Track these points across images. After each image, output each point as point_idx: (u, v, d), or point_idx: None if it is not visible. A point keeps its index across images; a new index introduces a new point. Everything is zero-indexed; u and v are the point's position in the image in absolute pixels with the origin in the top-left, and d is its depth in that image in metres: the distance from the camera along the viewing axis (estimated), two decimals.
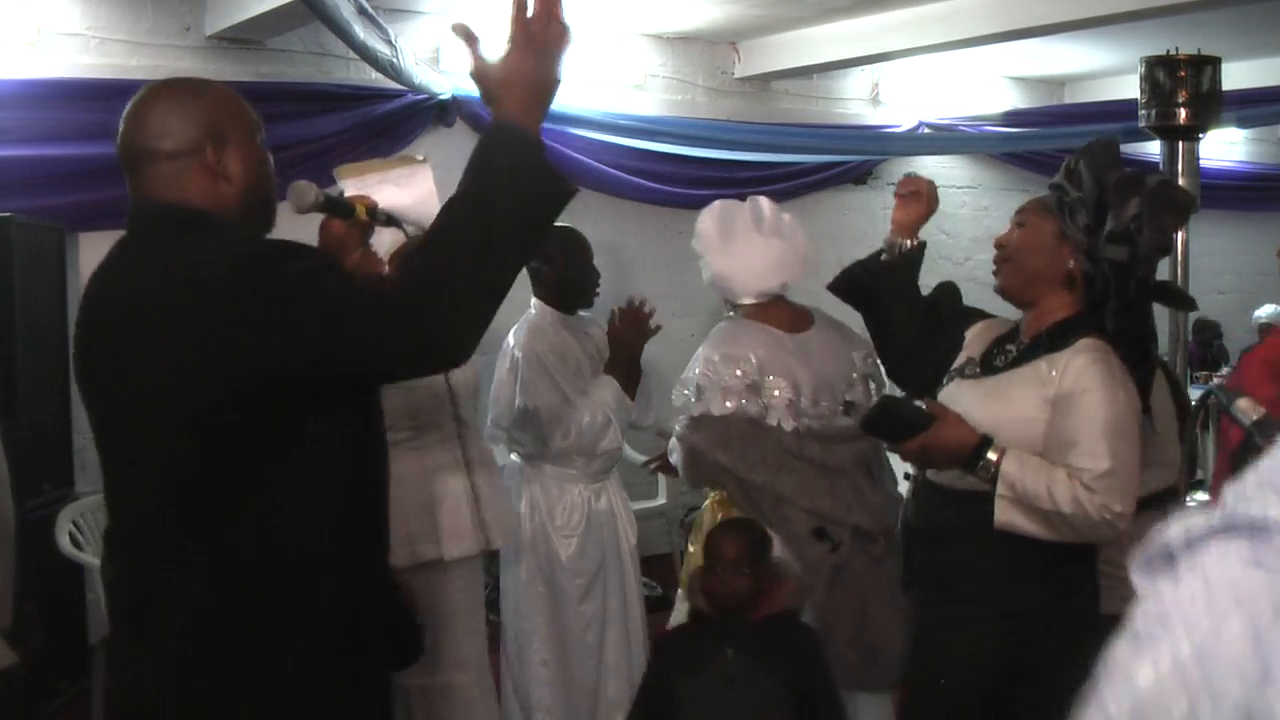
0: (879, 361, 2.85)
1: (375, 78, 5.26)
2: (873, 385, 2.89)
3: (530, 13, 1.54)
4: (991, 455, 2.15)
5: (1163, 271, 2.38)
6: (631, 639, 3.54)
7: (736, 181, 6.41)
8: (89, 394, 1.72)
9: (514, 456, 3.57)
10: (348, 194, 2.07)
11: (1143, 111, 4.40)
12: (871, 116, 7.33)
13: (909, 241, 2.64)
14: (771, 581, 2.54)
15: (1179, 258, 4.29)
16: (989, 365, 2.34)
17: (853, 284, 2.69)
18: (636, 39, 6.38)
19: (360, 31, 4.53)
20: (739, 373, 2.71)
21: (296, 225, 1.93)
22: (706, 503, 2.99)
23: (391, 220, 2.08)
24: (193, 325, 1.55)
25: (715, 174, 6.44)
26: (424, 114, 5.55)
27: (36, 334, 4.17)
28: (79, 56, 4.81)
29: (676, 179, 6.36)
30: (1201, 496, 3.09)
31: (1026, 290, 2.30)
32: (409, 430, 2.88)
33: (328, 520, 1.66)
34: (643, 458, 4.28)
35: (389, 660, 1.82)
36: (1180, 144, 4.36)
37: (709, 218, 2.90)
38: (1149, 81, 4.34)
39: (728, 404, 2.70)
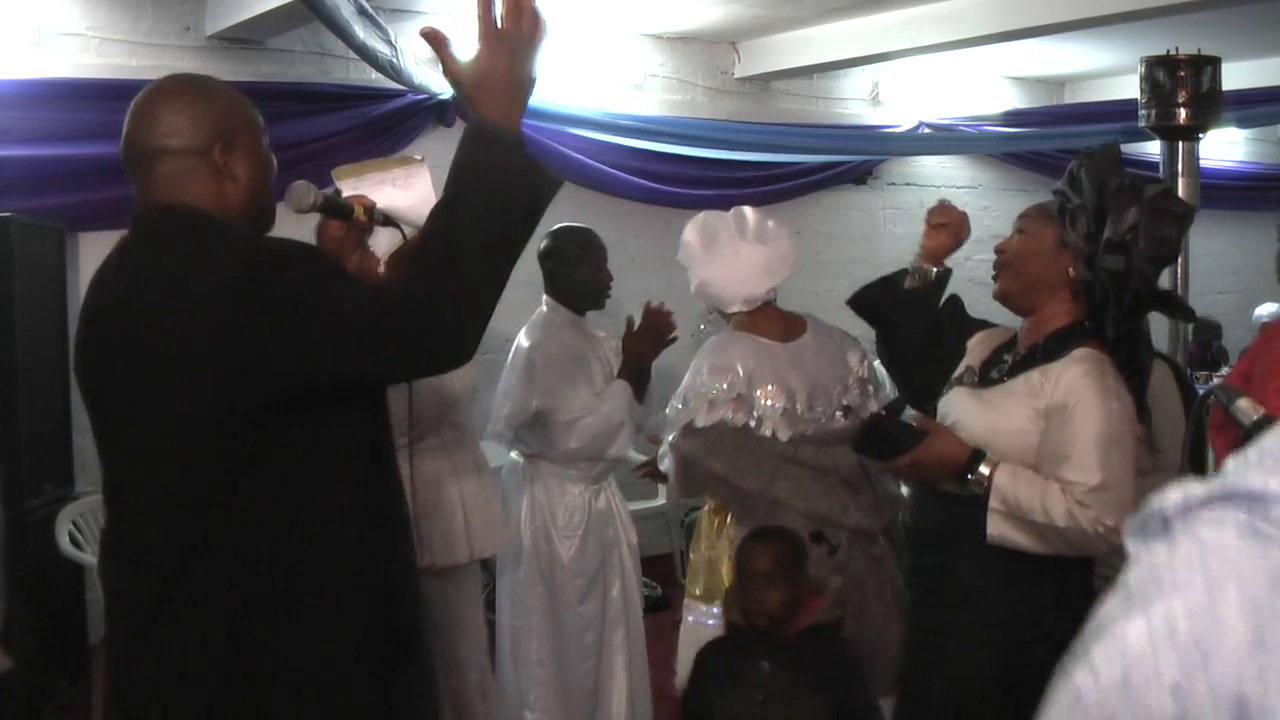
0: (876, 364, 2.85)
1: (375, 78, 5.26)
2: (871, 388, 2.89)
3: (499, 9, 1.53)
4: (984, 469, 2.14)
5: (1163, 273, 2.37)
6: (632, 640, 3.54)
7: (736, 181, 6.41)
8: (91, 396, 1.71)
9: (514, 456, 3.56)
10: (345, 194, 2.07)
11: (1143, 111, 4.41)
12: (871, 116, 7.33)
13: (934, 269, 2.63)
14: (808, 593, 2.46)
15: (1179, 259, 4.28)
16: (986, 375, 2.33)
17: (872, 303, 2.69)
18: (636, 39, 6.38)
19: (360, 31, 4.53)
20: (725, 385, 2.71)
21: (294, 226, 1.93)
22: (704, 509, 2.99)
23: (389, 221, 2.08)
24: (198, 329, 1.55)
25: (715, 174, 6.44)
26: (424, 114, 5.55)
27: (36, 334, 4.16)
28: (79, 56, 4.81)
29: (676, 179, 6.36)
30: None
31: (1025, 296, 2.29)
32: (406, 436, 2.87)
33: (336, 520, 1.66)
34: (643, 458, 4.28)
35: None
36: (1180, 144, 4.36)
37: (692, 229, 2.92)
38: (1149, 81, 4.34)
39: (712, 416, 2.71)
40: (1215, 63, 4.35)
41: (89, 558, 3.83)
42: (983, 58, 7.08)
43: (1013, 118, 7.58)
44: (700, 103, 6.62)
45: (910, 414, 2.58)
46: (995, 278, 2.35)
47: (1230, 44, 5.54)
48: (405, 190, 2.11)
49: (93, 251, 4.55)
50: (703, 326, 3.02)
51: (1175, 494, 0.60)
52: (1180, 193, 4.29)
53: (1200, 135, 4.41)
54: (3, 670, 2.23)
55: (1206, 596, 0.54)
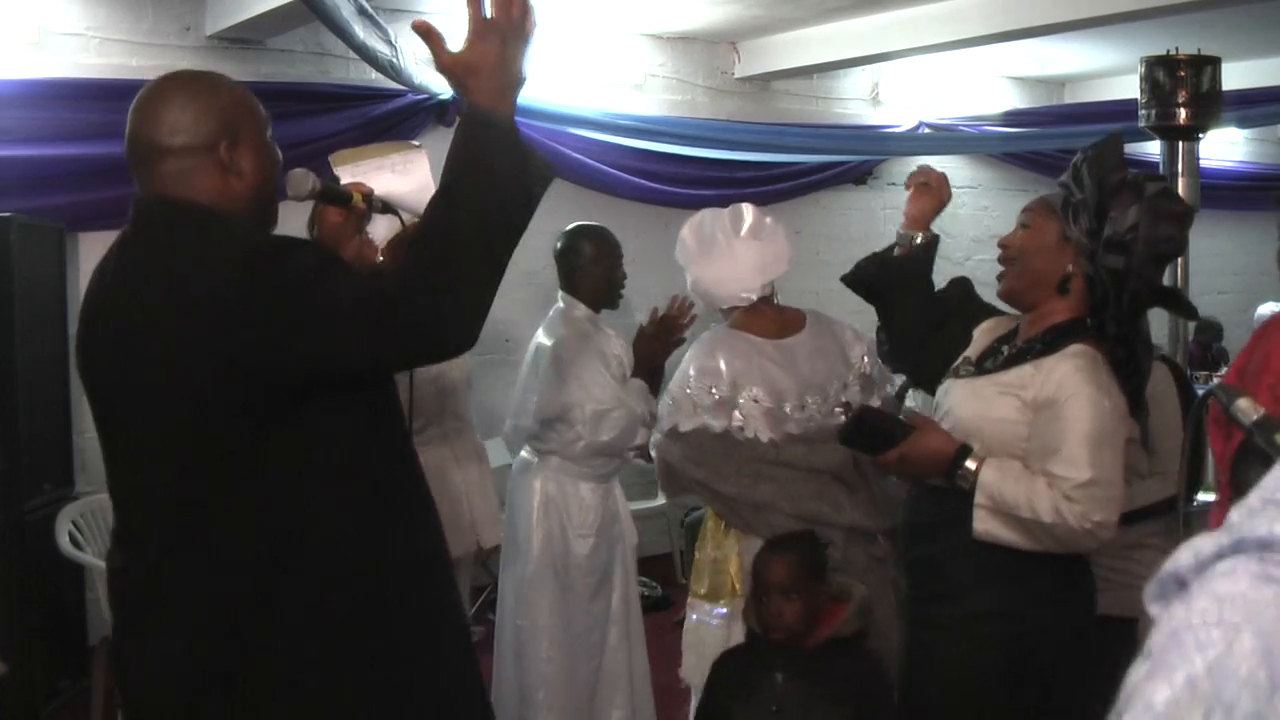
0: (880, 360, 2.84)
1: (375, 78, 5.26)
2: (875, 385, 2.88)
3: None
4: (970, 464, 2.14)
5: (1165, 272, 2.37)
6: (632, 637, 3.55)
7: (736, 181, 6.41)
8: (94, 393, 1.71)
9: (524, 454, 3.57)
10: (343, 181, 2.07)
11: (1143, 111, 4.40)
12: (871, 116, 7.33)
13: (921, 235, 2.62)
14: (830, 602, 2.39)
15: (1180, 258, 4.29)
16: (981, 365, 2.33)
17: (865, 277, 2.68)
18: (636, 39, 6.38)
19: (360, 31, 4.53)
20: (711, 389, 2.71)
21: (293, 212, 1.93)
22: (707, 510, 2.99)
23: (388, 207, 2.08)
24: (199, 323, 1.55)
25: (715, 174, 6.44)
26: (424, 114, 5.55)
27: (36, 334, 4.16)
28: (79, 56, 4.81)
29: (676, 179, 6.36)
30: (1204, 497, 3.08)
31: (1028, 294, 2.29)
32: (408, 427, 2.88)
33: (341, 509, 1.66)
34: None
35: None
36: (1180, 144, 4.36)
37: (687, 227, 2.93)
38: (1149, 81, 4.34)
39: (695, 421, 2.71)
40: (1215, 63, 4.35)
41: (89, 558, 3.83)
42: (983, 58, 7.08)
43: (1013, 118, 7.59)
44: (700, 103, 6.62)
45: (911, 406, 2.58)
46: (1000, 276, 2.34)
47: (1230, 44, 5.54)
48: (403, 176, 2.11)
49: (93, 251, 4.55)
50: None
51: (1185, 555, 0.61)
52: (1180, 193, 4.28)
53: (1200, 135, 4.41)
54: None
55: (1225, 649, 0.54)
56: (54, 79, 4.68)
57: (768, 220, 2.88)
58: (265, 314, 1.53)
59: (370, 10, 4.58)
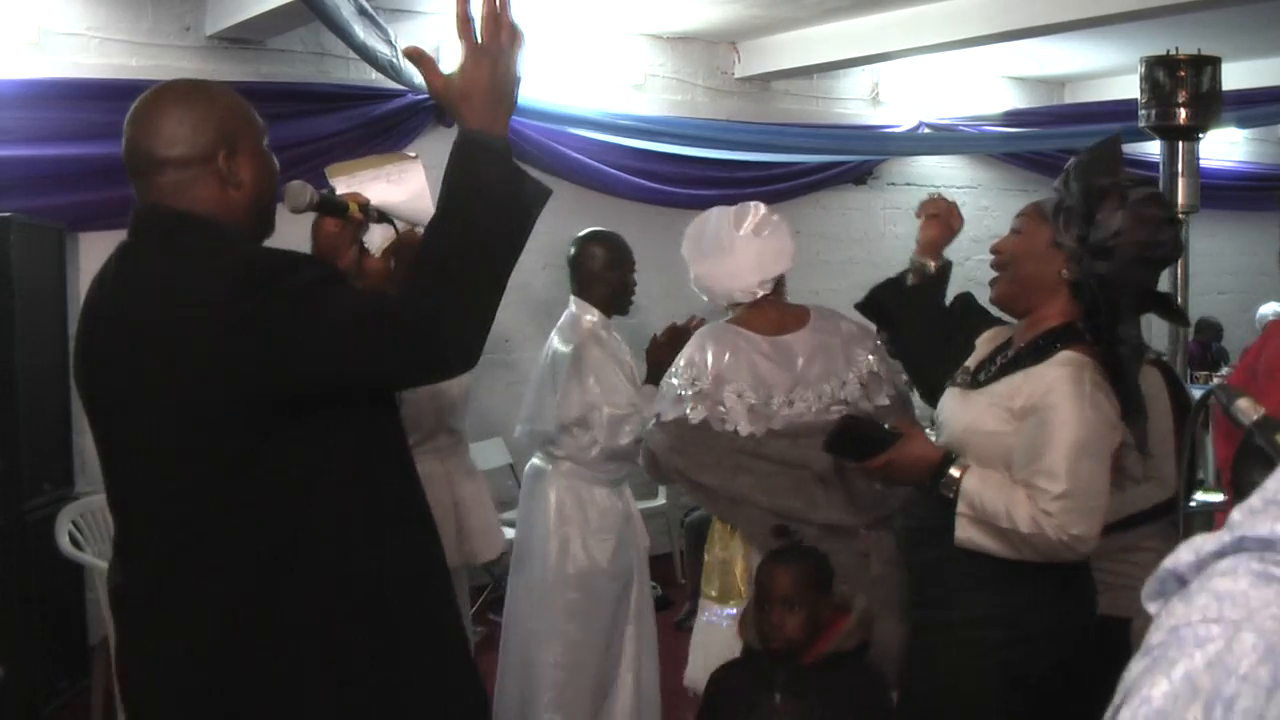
0: (889, 359, 2.85)
1: (375, 78, 5.26)
2: (882, 384, 2.85)
3: (479, 22, 1.58)
4: (954, 472, 2.14)
5: (1163, 273, 2.36)
6: (644, 639, 3.57)
7: (736, 181, 6.42)
8: (92, 404, 1.71)
9: (536, 460, 3.58)
10: (339, 191, 2.07)
11: (1143, 111, 4.40)
12: (871, 116, 7.33)
13: (933, 263, 2.63)
14: (830, 616, 2.36)
15: (1180, 259, 4.28)
16: (976, 376, 2.33)
17: (879, 305, 2.69)
18: (636, 39, 6.38)
19: (360, 31, 4.53)
20: (695, 381, 2.73)
21: (287, 222, 1.94)
22: None
23: (383, 217, 2.09)
24: (199, 337, 1.55)
25: (715, 174, 6.45)
26: (424, 114, 5.55)
27: (36, 334, 4.17)
28: (79, 56, 4.81)
29: (676, 179, 6.36)
30: (1203, 497, 3.08)
31: (1020, 299, 2.29)
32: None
33: (339, 519, 1.66)
34: None
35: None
36: (1180, 144, 4.35)
37: (692, 225, 2.94)
38: (1149, 81, 4.34)
39: (677, 411, 2.73)
40: (1215, 63, 4.34)
41: (89, 558, 3.83)
42: (983, 58, 7.08)
43: (1013, 118, 7.59)
44: (700, 103, 6.62)
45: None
46: (993, 282, 2.34)
47: (1230, 44, 5.54)
48: (399, 185, 2.12)
49: (93, 251, 4.56)
50: None
51: (1186, 552, 0.61)
52: (1180, 193, 4.28)
53: (1200, 135, 4.40)
54: None
55: (1224, 646, 0.54)
56: (54, 79, 4.68)
57: (774, 218, 2.88)
58: (266, 327, 1.53)
59: (370, 10, 4.58)
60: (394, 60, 4.86)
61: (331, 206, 2.02)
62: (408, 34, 5.27)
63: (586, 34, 6.11)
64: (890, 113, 7.34)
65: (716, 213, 2.92)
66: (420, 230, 1.80)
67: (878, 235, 7.32)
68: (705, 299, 2.93)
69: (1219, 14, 5.48)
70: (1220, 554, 0.59)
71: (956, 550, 2.18)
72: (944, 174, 7.70)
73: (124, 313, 1.64)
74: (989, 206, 7.69)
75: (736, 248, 2.82)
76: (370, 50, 4.69)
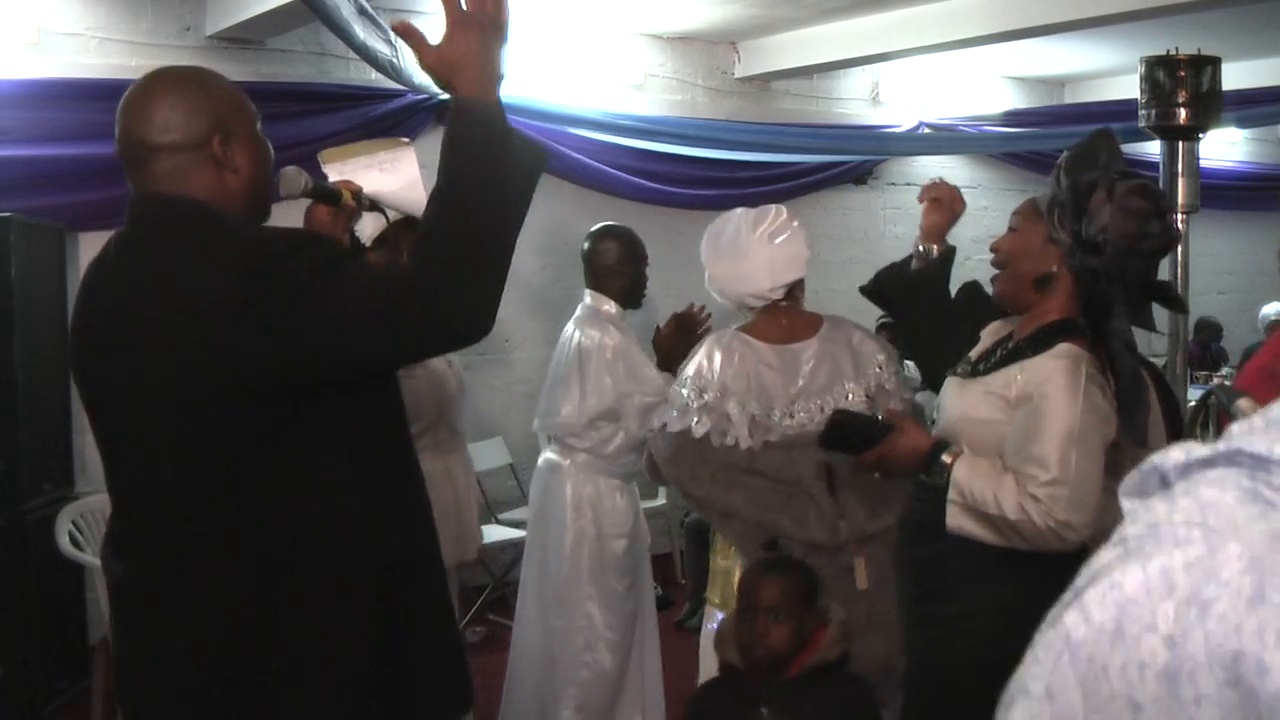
0: (902, 372, 2.86)
1: (375, 78, 5.26)
2: (890, 397, 2.82)
3: None
4: (945, 459, 2.15)
5: (1163, 272, 2.36)
6: (648, 638, 3.58)
7: (736, 181, 6.42)
8: (91, 394, 1.70)
9: (551, 455, 3.58)
10: (331, 179, 2.07)
11: (1143, 111, 4.40)
12: (871, 116, 7.33)
13: (936, 247, 2.64)
14: (814, 629, 2.31)
15: (1179, 258, 4.28)
16: (977, 366, 2.34)
17: (884, 290, 2.70)
18: (636, 39, 6.38)
19: (360, 31, 4.53)
20: (702, 393, 2.72)
21: (280, 209, 1.94)
22: None
23: (375, 205, 2.09)
24: (200, 332, 1.54)
25: (715, 174, 6.44)
26: (424, 114, 5.55)
27: (36, 334, 4.17)
28: (79, 56, 4.81)
29: (676, 179, 6.36)
30: None
31: (1019, 296, 2.30)
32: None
33: (342, 507, 1.66)
34: None
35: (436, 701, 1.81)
36: (1180, 144, 4.35)
37: (712, 225, 2.93)
38: (1149, 81, 4.34)
39: (681, 423, 2.73)
40: (1215, 63, 4.34)
41: (89, 558, 3.83)
42: (983, 58, 7.08)
43: (1013, 118, 7.59)
44: (700, 103, 6.62)
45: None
46: (993, 280, 2.35)
47: (1230, 44, 5.54)
48: (391, 174, 2.12)
49: (93, 252, 4.50)
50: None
51: (1177, 453, 0.59)
52: (1180, 193, 4.29)
53: (1200, 135, 4.40)
54: None
55: (1206, 551, 0.53)
56: (54, 79, 4.69)
57: (793, 224, 2.86)
58: (273, 314, 1.52)
59: (370, 10, 4.58)
60: (394, 60, 4.86)
61: (325, 194, 2.02)
62: None
63: (586, 34, 6.11)
64: (890, 113, 7.34)
65: (737, 214, 2.91)
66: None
67: (878, 235, 7.32)
68: (719, 300, 2.92)
69: (1219, 14, 5.48)
70: (1211, 462, 0.57)
71: (956, 545, 2.18)
72: (944, 174, 7.62)
73: (123, 304, 1.63)
74: (989, 206, 7.69)
75: (750, 251, 2.80)
76: (370, 50, 4.69)
